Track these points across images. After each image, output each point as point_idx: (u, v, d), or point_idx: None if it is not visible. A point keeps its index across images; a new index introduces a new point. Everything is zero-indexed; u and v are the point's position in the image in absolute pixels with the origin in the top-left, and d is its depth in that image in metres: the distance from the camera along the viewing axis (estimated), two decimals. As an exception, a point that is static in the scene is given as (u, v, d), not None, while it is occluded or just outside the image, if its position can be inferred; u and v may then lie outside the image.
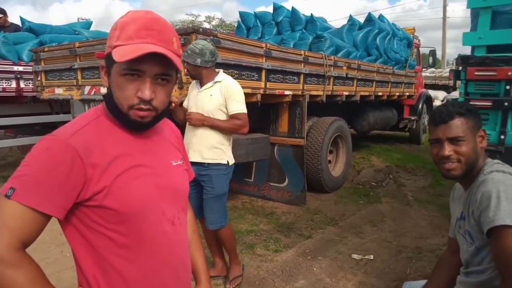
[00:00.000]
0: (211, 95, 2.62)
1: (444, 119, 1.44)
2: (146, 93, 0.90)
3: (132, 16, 0.92)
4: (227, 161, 2.68)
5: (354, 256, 3.35)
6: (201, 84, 2.68)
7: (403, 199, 5.03)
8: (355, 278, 2.99)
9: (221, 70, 2.75)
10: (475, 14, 2.90)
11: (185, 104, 2.84)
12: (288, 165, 4.60)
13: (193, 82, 2.76)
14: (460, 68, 2.81)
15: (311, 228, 4.00)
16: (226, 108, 2.62)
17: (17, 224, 0.82)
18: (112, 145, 0.94)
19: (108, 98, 0.96)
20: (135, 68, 0.89)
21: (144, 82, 0.91)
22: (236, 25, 8.42)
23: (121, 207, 0.91)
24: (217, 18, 29.02)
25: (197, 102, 2.66)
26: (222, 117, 2.63)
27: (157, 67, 0.91)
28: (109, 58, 0.92)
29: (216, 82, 2.63)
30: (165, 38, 0.92)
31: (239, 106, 2.62)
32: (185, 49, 2.59)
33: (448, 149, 1.43)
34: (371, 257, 3.32)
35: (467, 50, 3.07)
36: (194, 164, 2.60)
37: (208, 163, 2.62)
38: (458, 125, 1.42)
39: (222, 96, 2.59)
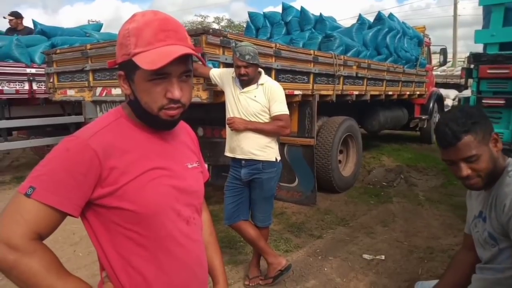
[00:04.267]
0: (255, 96, 2.66)
1: (451, 142, 1.35)
2: (176, 94, 0.93)
3: (143, 20, 0.92)
4: (276, 158, 2.75)
5: (365, 256, 3.33)
6: (245, 84, 2.70)
7: (414, 199, 4.99)
8: (366, 278, 2.98)
9: (263, 71, 2.80)
10: (487, 11, 2.87)
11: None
12: (298, 165, 4.58)
13: (228, 80, 2.77)
14: (472, 66, 2.78)
15: (322, 228, 3.99)
16: (269, 110, 2.67)
17: (34, 218, 0.84)
18: (130, 147, 0.95)
19: (135, 105, 0.96)
20: (163, 72, 0.90)
21: (171, 82, 0.92)
22: (244, 26, 8.42)
23: (138, 208, 0.92)
24: (225, 19, 29.10)
25: (240, 103, 2.70)
26: (266, 119, 2.69)
27: (181, 66, 0.92)
28: (127, 66, 0.93)
29: (259, 84, 2.68)
30: (181, 36, 0.93)
31: (282, 107, 2.67)
32: (243, 52, 2.57)
33: (465, 170, 1.37)
34: (383, 257, 3.31)
35: (478, 48, 3.04)
36: (246, 165, 2.71)
37: (262, 164, 2.69)
38: (467, 144, 1.33)
39: (266, 98, 2.65)
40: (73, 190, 0.87)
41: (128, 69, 0.93)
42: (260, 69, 2.79)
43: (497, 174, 1.41)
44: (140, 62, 0.88)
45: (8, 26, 6.85)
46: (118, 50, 0.95)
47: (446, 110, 9.65)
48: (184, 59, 0.92)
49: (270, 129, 2.67)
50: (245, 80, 2.66)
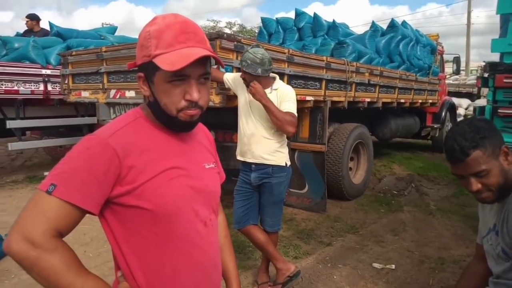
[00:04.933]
0: None
1: (460, 158, 1.33)
2: (195, 95, 0.94)
3: (164, 23, 0.93)
4: (285, 163, 2.75)
5: (375, 265, 3.30)
6: None
7: (425, 209, 4.94)
8: (376, 287, 2.95)
9: (277, 77, 2.80)
10: (505, 20, 2.83)
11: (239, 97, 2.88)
12: (309, 171, 4.57)
13: (242, 84, 2.77)
14: (488, 75, 2.75)
15: (331, 236, 3.96)
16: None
17: (56, 216, 0.85)
18: (149, 147, 0.96)
19: (154, 106, 0.98)
20: (183, 73, 0.91)
21: (190, 84, 0.94)
22: (256, 31, 8.45)
23: (156, 207, 0.93)
24: (237, 24, 29.26)
25: (253, 107, 2.70)
26: None
27: (200, 68, 0.94)
28: (147, 67, 0.94)
29: (274, 89, 2.68)
30: (201, 38, 0.95)
31: (291, 106, 2.64)
32: (242, 58, 2.61)
33: (475, 184, 1.35)
34: (393, 266, 3.27)
35: (491, 57, 3.01)
36: (256, 169, 2.72)
37: (272, 168, 2.69)
38: (476, 159, 1.31)
39: (278, 101, 2.64)
40: (94, 188, 0.88)
41: (148, 70, 0.94)
42: (274, 75, 2.80)
43: (509, 186, 1.38)
44: (160, 63, 0.89)
45: (25, 28, 6.98)
46: (138, 52, 0.96)
47: (458, 119, 9.57)
48: (203, 61, 0.93)
49: (280, 116, 2.57)
50: (246, 85, 2.68)
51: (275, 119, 2.57)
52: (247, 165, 2.78)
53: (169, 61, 0.89)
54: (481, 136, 1.33)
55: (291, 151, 4.38)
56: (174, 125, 0.99)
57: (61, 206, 0.85)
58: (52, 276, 0.84)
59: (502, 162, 1.36)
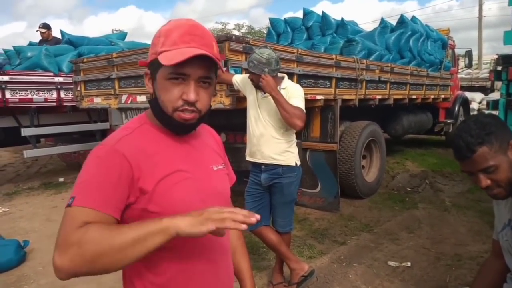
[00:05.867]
0: None
1: (466, 155, 1.33)
2: (191, 96, 0.95)
3: (175, 24, 0.98)
4: (295, 163, 2.74)
5: (391, 263, 3.27)
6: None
7: (440, 205, 4.88)
8: (392, 285, 2.93)
9: (285, 76, 2.80)
10: (517, 12, 2.79)
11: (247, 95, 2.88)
12: (321, 170, 4.55)
13: (250, 84, 2.76)
14: (501, 68, 2.71)
15: (346, 235, 3.94)
16: None
17: (80, 217, 0.85)
18: (154, 151, 0.97)
19: (154, 103, 1.00)
20: (181, 72, 0.94)
21: (189, 85, 0.95)
22: (264, 32, 8.45)
23: (164, 210, 0.93)
24: (246, 25, 29.27)
25: (262, 107, 2.71)
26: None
27: (200, 70, 0.95)
28: (153, 64, 0.97)
29: (282, 88, 2.68)
30: (206, 42, 0.96)
31: (298, 102, 2.62)
32: (249, 59, 2.63)
33: (484, 180, 1.34)
34: (409, 264, 3.24)
35: (504, 50, 2.96)
36: (266, 170, 2.72)
37: (282, 169, 2.69)
38: (483, 155, 1.30)
39: (286, 99, 2.61)
40: (110, 192, 0.89)
41: (154, 68, 0.98)
42: (283, 74, 2.80)
43: None
44: (161, 59, 0.93)
45: (40, 38, 7.09)
46: (149, 50, 1.00)
47: (472, 113, 9.43)
48: (205, 64, 0.95)
49: (288, 108, 2.53)
50: (254, 86, 2.69)
51: (283, 112, 2.55)
52: (257, 166, 2.79)
53: (168, 57, 0.92)
54: (487, 132, 1.31)
55: (303, 151, 4.37)
56: (171, 125, 1.00)
57: (84, 212, 0.86)
58: (101, 245, 0.81)
59: (511, 157, 1.34)
